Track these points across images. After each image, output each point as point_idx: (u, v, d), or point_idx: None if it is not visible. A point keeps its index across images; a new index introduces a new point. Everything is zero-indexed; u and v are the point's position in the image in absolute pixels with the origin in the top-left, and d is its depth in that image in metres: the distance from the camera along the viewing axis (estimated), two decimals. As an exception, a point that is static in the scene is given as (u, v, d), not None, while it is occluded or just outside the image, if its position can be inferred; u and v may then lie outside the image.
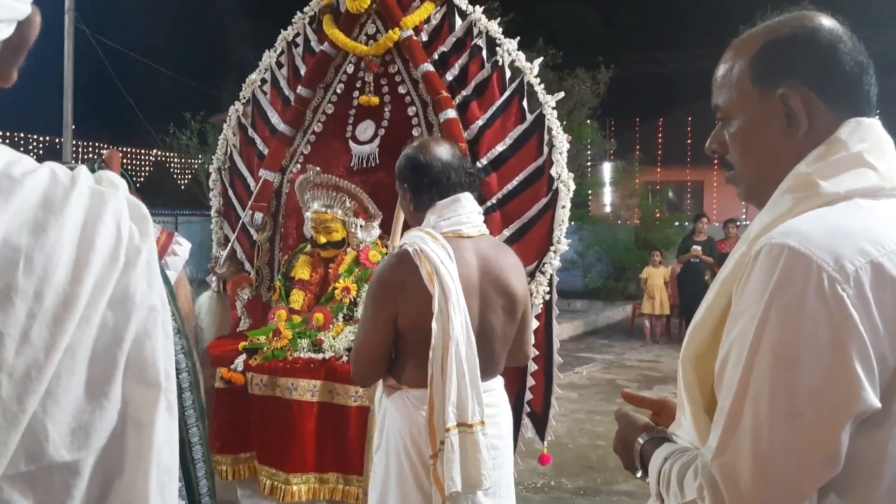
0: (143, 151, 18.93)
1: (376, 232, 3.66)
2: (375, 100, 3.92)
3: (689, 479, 1.08)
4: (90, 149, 16.89)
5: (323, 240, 3.60)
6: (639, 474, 1.30)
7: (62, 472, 0.64)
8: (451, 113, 3.62)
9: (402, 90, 3.91)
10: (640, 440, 1.29)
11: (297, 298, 3.59)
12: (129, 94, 15.52)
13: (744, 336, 1.01)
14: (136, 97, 15.82)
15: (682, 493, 1.08)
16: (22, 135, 16.18)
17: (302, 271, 3.65)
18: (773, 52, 1.17)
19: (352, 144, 3.92)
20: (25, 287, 0.63)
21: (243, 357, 3.38)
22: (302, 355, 3.30)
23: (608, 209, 17.22)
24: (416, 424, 2.19)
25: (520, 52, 3.66)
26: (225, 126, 4.51)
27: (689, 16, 22.05)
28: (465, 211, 2.30)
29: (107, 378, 0.66)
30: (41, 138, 15.80)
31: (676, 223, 15.20)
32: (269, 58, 4.37)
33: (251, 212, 4.11)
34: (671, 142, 20.26)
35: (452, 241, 2.23)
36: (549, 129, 3.53)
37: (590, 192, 16.85)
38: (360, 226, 3.59)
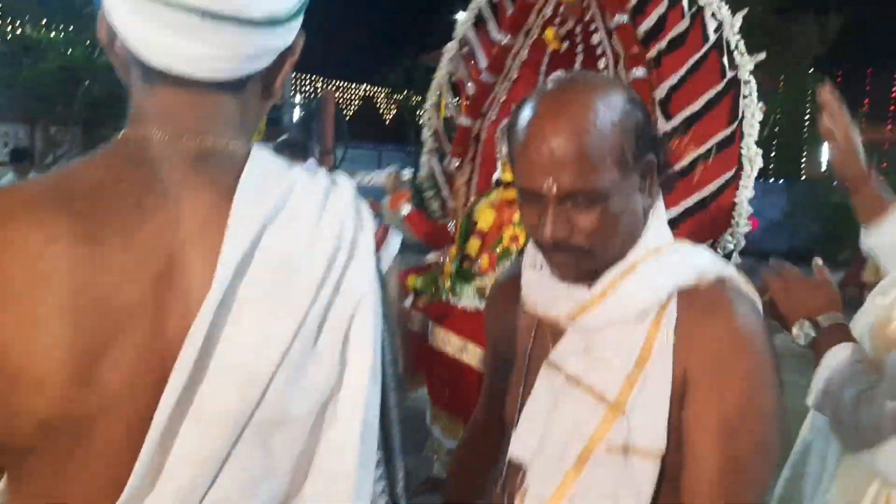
0: (353, 86, 19.98)
1: None
2: (556, 43, 3.80)
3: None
4: (308, 82, 18.09)
5: (510, 178, 3.54)
6: (799, 338, 1.20)
7: (297, 420, 0.79)
8: (640, 72, 3.43)
9: (595, 40, 3.73)
10: (828, 318, 1.17)
11: (474, 246, 3.57)
12: (343, 30, 16.31)
13: None
14: (348, 33, 16.61)
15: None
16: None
17: (484, 217, 3.61)
18: None
19: None
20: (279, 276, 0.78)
21: (411, 297, 3.53)
22: (467, 305, 3.40)
23: (824, 168, 15.88)
24: None
25: (722, 2, 3.28)
26: (443, 63, 4.47)
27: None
28: None
29: (331, 349, 0.81)
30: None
31: (905, 187, 13.71)
32: None
33: (448, 158, 4.24)
34: (903, 97, 18.14)
35: None
36: (744, 96, 3.19)
37: (805, 148, 15.58)
38: None
